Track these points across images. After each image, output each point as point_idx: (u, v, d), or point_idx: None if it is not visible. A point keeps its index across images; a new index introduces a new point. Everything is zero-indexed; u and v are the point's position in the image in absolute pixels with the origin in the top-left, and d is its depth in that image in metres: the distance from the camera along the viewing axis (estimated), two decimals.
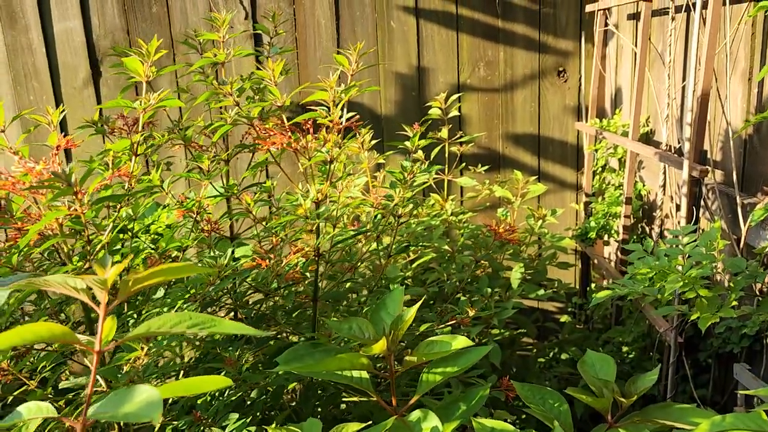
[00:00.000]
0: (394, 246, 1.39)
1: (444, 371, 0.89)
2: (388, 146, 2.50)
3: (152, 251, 1.20)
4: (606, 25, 2.66)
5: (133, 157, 1.09)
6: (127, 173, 1.05)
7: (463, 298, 1.47)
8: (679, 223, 2.22)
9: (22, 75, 2.84)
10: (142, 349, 0.93)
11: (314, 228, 1.13)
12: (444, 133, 2.48)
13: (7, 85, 2.84)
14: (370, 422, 0.85)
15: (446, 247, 2.08)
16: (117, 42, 2.85)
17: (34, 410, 0.56)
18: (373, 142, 2.07)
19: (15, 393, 1.11)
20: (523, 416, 1.85)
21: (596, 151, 2.80)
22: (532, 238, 2.27)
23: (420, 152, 2.32)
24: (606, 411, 0.92)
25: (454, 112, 2.41)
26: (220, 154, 1.48)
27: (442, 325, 1.31)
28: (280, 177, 2.67)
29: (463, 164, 2.84)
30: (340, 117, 1.18)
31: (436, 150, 2.42)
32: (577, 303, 2.83)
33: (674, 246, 1.34)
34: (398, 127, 3.08)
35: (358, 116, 1.29)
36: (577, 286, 3.04)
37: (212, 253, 1.27)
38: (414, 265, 2.02)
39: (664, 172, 2.23)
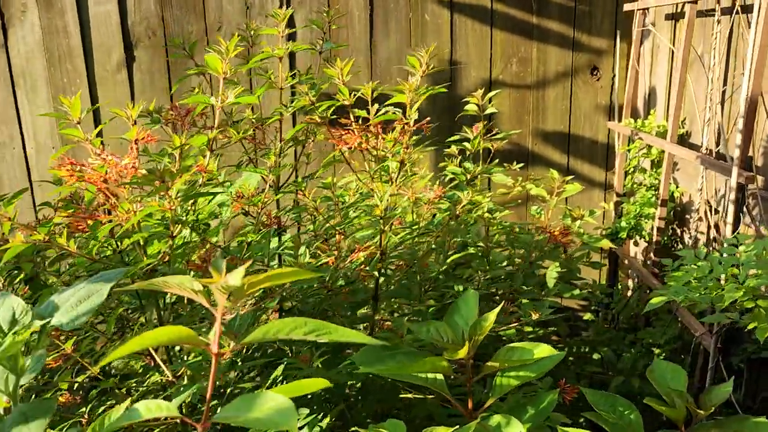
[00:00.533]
0: (451, 246, 1.40)
1: (518, 375, 0.90)
2: (428, 143, 2.50)
3: (207, 242, 1.21)
4: (644, 24, 2.64)
5: (208, 153, 1.09)
6: (203, 168, 1.06)
7: (525, 301, 1.48)
8: (715, 226, 2.21)
9: (57, 57, 2.85)
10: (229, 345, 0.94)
11: (385, 227, 1.13)
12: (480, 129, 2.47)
13: (42, 66, 2.85)
14: (457, 426, 0.85)
15: (481, 243, 2.08)
16: (151, 27, 2.85)
17: (154, 409, 0.57)
18: (415, 138, 2.07)
19: (79, 379, 1.12)
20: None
21: (628, 151, 2.79)
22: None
23: (453, 147, 2.32)
24: (680, 421, 0.92)
25: (490, 109, 2.40)
26: (271, 146, 1.48)
27: (504, 327, 1.32)
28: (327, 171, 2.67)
29: (497, 160, 2.84)
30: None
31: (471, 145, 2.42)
32: (603, 302, 2.83)
33: (727, 254, 1.34)
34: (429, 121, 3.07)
35: (428, 119, 1.29)
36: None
37: (264, 245, 1.28)
38: (449, 261, 2.03)
39: (703, 176, 2.22)
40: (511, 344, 0.90)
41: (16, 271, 1.38)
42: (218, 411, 0.55)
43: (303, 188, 1.27)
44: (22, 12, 2.79)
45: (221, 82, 1.10)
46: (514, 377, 0.90)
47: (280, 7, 2.91)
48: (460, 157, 2.26)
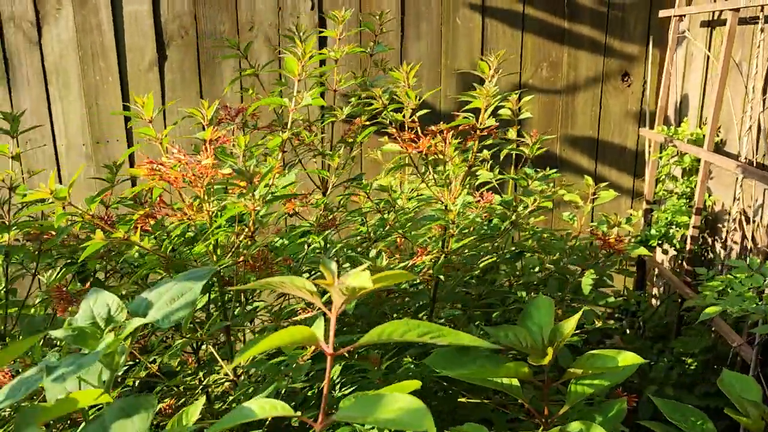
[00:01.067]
0: (507, 251, 1.40)
1: (592, 383, 0.89)
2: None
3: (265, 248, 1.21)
4: (683, 32, 2.63)
5: (280, 154, 1.09)
6: (280, 170, 1.06)
7: (587, 308, 1.47)
8: (752, 237, 2.20)
9: (90, 54, 2.86)
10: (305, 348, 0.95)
11: (453, 232, 1.13)
12: (512, 134, 2.47)
13: (74, 63, 2.86)
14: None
15: (513, 248, 2.07)
16: (184, 26, 2.86)
17: (269, 408, 0.57)
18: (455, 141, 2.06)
19: (135, 374, 1.12)
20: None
21: (659, 158, 2.78)
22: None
23: (486, 152, 2.31)
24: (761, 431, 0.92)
25: (525, 114, 2.39)
26: (319, 148, 1.48)
27: None
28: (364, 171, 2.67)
29: (528, 165, 2.83)
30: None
31: (506, 151, 2.41)
32: (629, 310, 2.82)
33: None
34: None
35: (497, 124, 1.29)
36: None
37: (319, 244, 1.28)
38: (482, 264, 2.02)
39: (740, 185, 2.21)
40: (593, 351, 0.90)
41: (66, 267, 1.39)
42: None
43: (368, 190, 1.27)
44: (57, 9, 2.80)
45: (296, 83, 1.10)
46: (589, 385, 0.90)
47: (312, 8, 2.92)
48: (491, 161, 2.25)
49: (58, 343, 1.53)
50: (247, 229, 0.97)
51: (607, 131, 3.05)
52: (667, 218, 2.61)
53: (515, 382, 0.88)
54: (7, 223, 1.31)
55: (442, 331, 0.58)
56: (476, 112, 1.38)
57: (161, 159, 0.93)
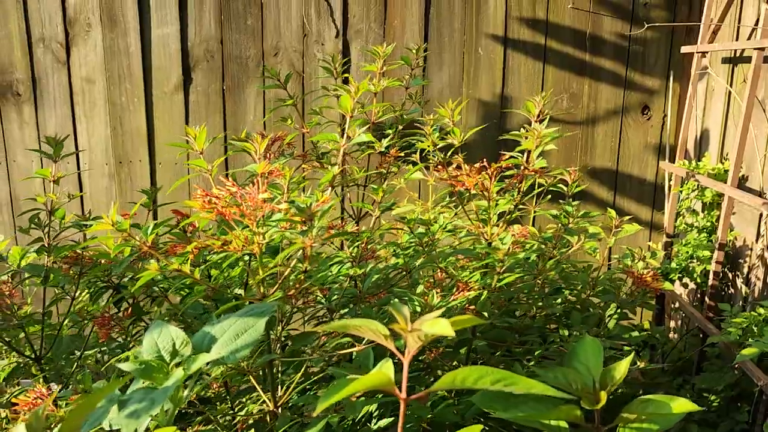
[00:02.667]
0: (546, 287, 1.40)
1: (641, 427, 0.89)
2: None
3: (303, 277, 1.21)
4: (705, 68, 2.65)
5: (329, 189, 1.11)
6: (334, 206, 1.07)
7: (627, 348, 1.47)
8: None
9: (116, 76, 2.90)
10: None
11: (500, 269, 1.14)
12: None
13: (101, 85, 2.90)
14: None
15: (537, 280, 2.07)
16: (210, 50, 2.90)
17: None
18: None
19: (182, 405, 1.12)
20: None
21: (680, 192, 2.78)
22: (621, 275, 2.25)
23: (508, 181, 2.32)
24: None
25: (549, 146, 2.41)
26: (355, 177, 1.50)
27: None
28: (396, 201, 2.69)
29: (549, 196, 2.84)
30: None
31: (527, 183, 2.42)
32: (650, 343, 2.80)
33: None
34: (478, 155, 3.08)
35: (546, 166, 1.31)
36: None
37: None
38: (506, 296, 2.02)
39: (765, 222, 2.21)
40: (646, 396, 0.89)
41: (101, 291, 1.40)
42: None
43: (410, 224, 1.28)
44: (86, 31, 2.85)
45: (348, 120, 1.11)
46: (638, 429, 0.89)
47: (336, 36, 2.96)
48: (516, 193, 2.26)
49: (82, 362, 1.53)
50: (295, 262, 0.98)
51: (626, 163, 3.06)
52: (688, 252, 2.61)
53: (563, 424, 0.88)
54: (47, 245, 1.33)
55: (513, 378, 0.58)
56: (500, 144, 1.40)
57: (213, 191, 0.94)
